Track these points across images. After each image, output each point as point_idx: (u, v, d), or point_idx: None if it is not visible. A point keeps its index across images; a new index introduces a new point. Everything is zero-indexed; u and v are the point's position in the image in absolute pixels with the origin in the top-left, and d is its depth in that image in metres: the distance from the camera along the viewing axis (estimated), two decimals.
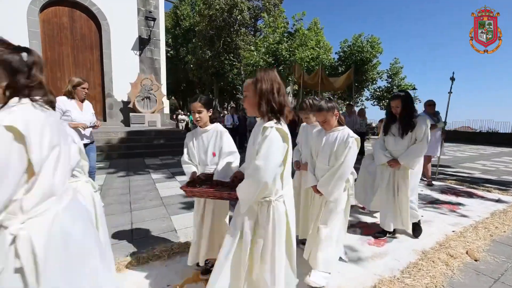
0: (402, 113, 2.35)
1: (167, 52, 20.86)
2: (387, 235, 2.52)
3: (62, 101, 2.81)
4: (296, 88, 16.08)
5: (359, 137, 1.86)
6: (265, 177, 1.15)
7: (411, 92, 24.24)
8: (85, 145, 2.96)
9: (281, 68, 11.66)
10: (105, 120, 9.12)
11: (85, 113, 3.01)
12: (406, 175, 2.41)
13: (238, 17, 14.90)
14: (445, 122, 4.79)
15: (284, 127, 1.26)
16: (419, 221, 2.62)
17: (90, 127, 3.02)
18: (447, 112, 4.91)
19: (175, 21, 23.29)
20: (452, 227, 2.84)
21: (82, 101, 3.00)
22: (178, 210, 3.07)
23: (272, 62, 11.78)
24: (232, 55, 16.45)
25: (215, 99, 19.71)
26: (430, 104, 4.72)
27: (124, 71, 9.32)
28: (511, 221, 3.04)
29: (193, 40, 16.56)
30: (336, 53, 20.18)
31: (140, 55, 9.88)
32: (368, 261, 2.09)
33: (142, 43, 9.86)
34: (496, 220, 3.04)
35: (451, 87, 4.86)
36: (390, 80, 23.48)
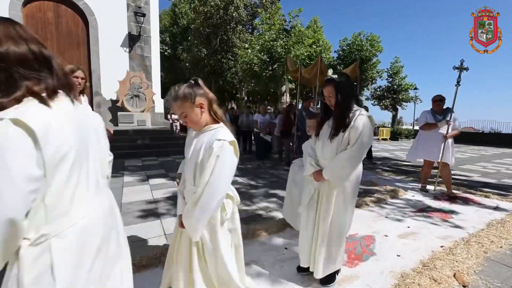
0: (336, 106, 1.68)
1: (164, 50, 20.62)
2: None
3: None
4: (293, 86, 15.76)
5: (233, 139, 1.25)
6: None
7: (411, 92, 24.00)
8: None
9: (276, 66, 11.34)
10: None
11: None
12: (331, 196, 1.70)
13: (234, 14, 14.59)
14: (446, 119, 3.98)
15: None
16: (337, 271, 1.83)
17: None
18: (453, 106, 4.14)
19: (174, 19, 23.03)
20: (441, 241, 2.53)
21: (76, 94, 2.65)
22: (133, 220, 2.78)
23: (267, 59, 11.46)
24: (229, 53, 16.14)
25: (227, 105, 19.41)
26: (436, 100, 4.06)
27: (112, 69, 9.05)
28: (508, 233, 2.72)
29: (189, 38, 16.25)
30: (335, 51, 19.84)
31: (129, 52, 9.61)
32: (333, 287, 1.78)
33: (132, 40, 9.59)
34: (492, 232, 2.73)
35: (458, 77, 4.06)
36: (391, 79, 23.11)
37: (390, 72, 22.69)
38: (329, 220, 1.70)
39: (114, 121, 9.01)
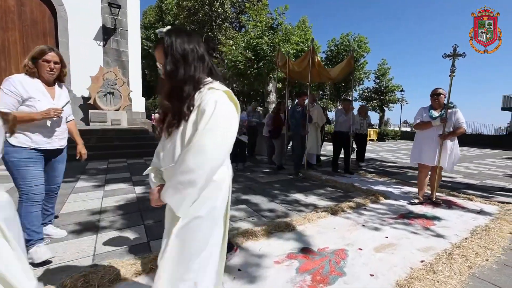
0: (167, 78, 1.05)
1: (149, 48, 19.92)
2: None
3: (19, 81, 1.83)
4: (280, 86, 15.46)
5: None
6: None
7: (398, 94, 24.23)
8: (54, 151, 2.09)
9: (261, 64, 10.99)
10: None
11: (58, 102, 2.02)
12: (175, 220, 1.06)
13: (219, 10, 14.16)
14: (442, 114, 3.40)
15: None
16: None
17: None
18: (448, 100, 3.47)
19: (159, 15, 22.36)
20: (421, 254, 2.23)
21: (50, 83, 2.01)
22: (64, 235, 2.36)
23: (252, 57, 11.10)
24: (215, 52, 15.70)
25: None
26: (433, 94, 3.45)
27: (84, 63, 8.47)
28: (494, 242, 2.46)
29: None
30: (323, 52, 19.74)
31: (104, 46, 9.05)
32: None
33: (107, 33, 9.03)
34: (476, 242, 2.46)
35: (452, 65, 3.45)
36: (378, 81, 23.26)
37: (377, 73, 22.84)
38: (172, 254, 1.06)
39: (86, 119, 8.44)
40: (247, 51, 11.14)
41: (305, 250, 2.25)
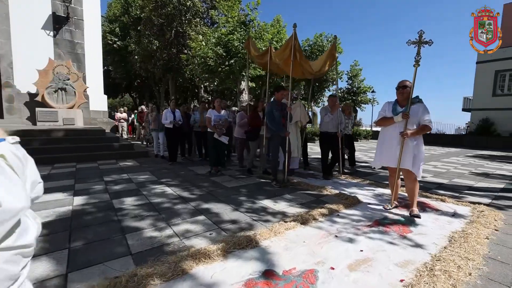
0: None
1: (113, 42, 18.58)
2: None
3: None
4: (253, 85, 15.12)
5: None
6: None
7: (369, 94, 25.02)
8: None
9: (233, 61, 10.54)
10: (1, 117, 7.18)
11: None
12: None
13: (189, 4, 13.49)
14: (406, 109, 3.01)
15: None
16: None
17: None
18: (411, 94, 3.03)
19: (125, 7, 20.96)
20: (400, 271, 1.94)
21: None
22: None
23: (223, 54, 10.61)
24: (186, 47, 14.94)
25: (172, 97, 17.98)
26: (398, 87, 3.08)
27: (31, 55, 7.46)
28: (474, 251, 2.26)
29: (138, 28, 14.68)
30: None
31: (54, 36, 8.05)
32: None
33: (58, 22, 8.05)
34: (456, 251, 2.23)
35: (417, 54, 3.10)
36: (351, 81, 23.83)
37: (350, 74, 23.39)
38: None
39: (32, 118, 7.42)
40: (218, 47, 10.63)
41: (268, 273, 1.85)
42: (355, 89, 23.66)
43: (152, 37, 14.94)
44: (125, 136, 12.34)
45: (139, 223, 2.65)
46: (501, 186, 5.03)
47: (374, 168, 3.32)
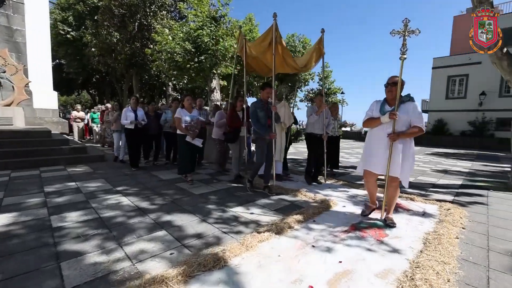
0: None
1: (66, 32, 16.84)
2: None
3: None
4: (225, 83, 14.70)
5: None
6: None
7: (339, 96, 25.89)
8: None
9: (203, 57, 10.05)
10: None
11: None
12: None
13: None
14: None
15: None
16: None
17: None
18: (399, 91, 2.65)
19: None
20: (381, 282, 1.79)
21: None
22: None
23: (192, 50, 10.06)
24: (151, 42, 14.00)
25: (135, 94, 16.79)
26: (387, 84, 2.73)
27: None
28: (448, 253, 2.21)
29: (95, 18, 13.40)
30: None
31: None
32: None
33: None
34: (432, 255, 2.16)
35: (403, 46, 2.68)
36: (322, 83, 24.50)
37: (321, 76, 24.04)
38: None
39: None
40: (187, 42, 10.06)
41: None
42: (325, 90, 24.38)
43: (112, 29, 13.75)
44: (80, 137, 11.17)
45: (81, 245, 2.19)
46: (459, 182, 5.33)
47: (359, 173, 3.06)
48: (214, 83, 11.82)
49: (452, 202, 3.80)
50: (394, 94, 2.68)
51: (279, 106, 4.69)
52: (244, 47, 4.62)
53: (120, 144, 6.48)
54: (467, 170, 6.95)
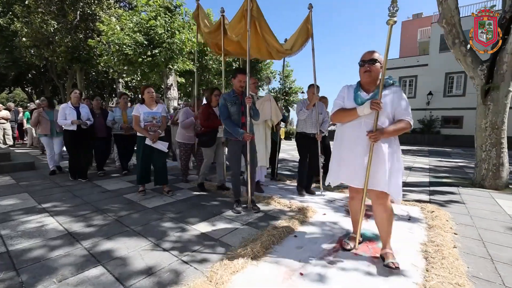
0: None
1: None
2: None
3: None
4: (182, 80, 13.67)
5: None
6: None
7: (300, 95, 26.34)
8: None
9: (157, 51, 9.05)
10: None
11: None
12: None
13: None
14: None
15: None
16: None
17: None
18: (383, 73, 1.92)
19: None
20: None
21: None
22: None
23: (145, 42, 9.00)
24: (98, 33, 12.37)
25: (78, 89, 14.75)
26: (363, 62, 1.95)
27: None
28: (459, 272, 1.87)
29: (26, 2, 11.38)
30: None
31: None
32: None
33: None
34: (441, 274, 1.82)
35: (393, 3, 1.86)
36: (283, 82, 24.63)
37: (282, 75, 24.17)
38: None
39: None
40: (138, 34, 8.97)
41: None
42: (287, 89, 24.58)
43: (48, 16, 11.84)
44: (9, 142, 9.28)
45: None
46: (427, 179, 5.37)
47: (329, 184, 2.19)
48: (171, 79, 10.83)
49: (429, 202, 3.66)
50: (374, 75, 1.92)
51: (262, 100, 3.97)
52: (222, 25, 3.81)
53: (55, 151, 5.21)
54: (427, 167, 7.21)
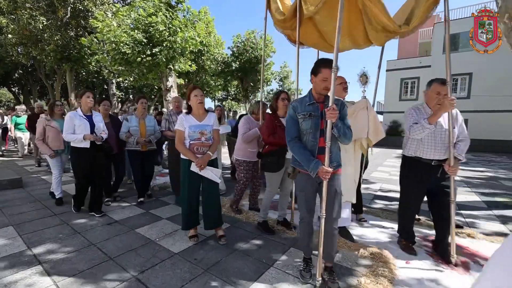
0: None
1: None
2: None
3: None
4: (182, 82, 12.90)
5: None
6: None
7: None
8: None
9: (157, 50, 8.29)
10: None
11: None
12: None
13: None
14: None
15: None
16: None
17: None
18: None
19: None
20: None
21: None
22: None
23: (144, 41, 8.23)
24: (91, 31, 11.48)
25: (71, 93, 13.82)
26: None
27: None
28: None
29: None
30: (228, 48, 18.37)
31: None
32: None
33: None
34: None
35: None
36: (281, 83, 24.08)
37: (281, 76, 23.60)
38: None
39: None
40: (136, 31, 8.19)
41: None
42: (286, 90, 24.09)
43: (37, 12, 10.89)
44: None
45: None
46: (475, 198, 4.83)
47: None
48: (171, 81, 10.05)
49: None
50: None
51: (356, 108, 2.67)
52: (297, 10, 2.69)
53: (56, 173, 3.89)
54: (458, 178, 6.71)
